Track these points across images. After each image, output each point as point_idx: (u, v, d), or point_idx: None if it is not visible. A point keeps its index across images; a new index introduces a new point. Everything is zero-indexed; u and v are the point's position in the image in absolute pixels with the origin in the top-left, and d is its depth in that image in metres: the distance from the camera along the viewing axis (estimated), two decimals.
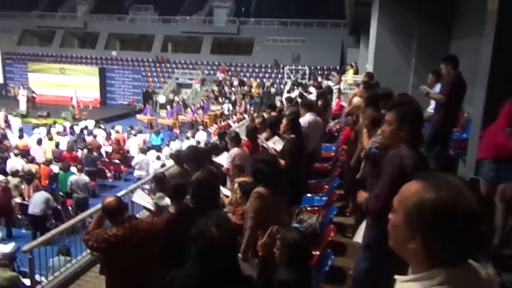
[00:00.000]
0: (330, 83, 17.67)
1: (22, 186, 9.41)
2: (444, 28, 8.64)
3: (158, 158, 11.46)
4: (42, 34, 34.06)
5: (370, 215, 2.60)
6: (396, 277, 1.17)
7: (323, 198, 5.30)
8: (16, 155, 11.08)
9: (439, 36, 8.63)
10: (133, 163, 11.94)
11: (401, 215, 1.14)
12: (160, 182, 5.13)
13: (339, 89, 14.39)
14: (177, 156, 5.50)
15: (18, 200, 9.18)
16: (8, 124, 16.68)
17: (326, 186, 5.76)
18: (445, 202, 1.06)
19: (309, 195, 5.49)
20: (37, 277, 5.29)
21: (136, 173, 11.58)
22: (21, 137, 13.38)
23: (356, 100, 6.20)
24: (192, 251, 1.88)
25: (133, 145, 13.85)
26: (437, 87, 5.05)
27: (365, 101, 4.30)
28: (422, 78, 6.40)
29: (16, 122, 17.09)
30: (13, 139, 13.81)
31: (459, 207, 1.05)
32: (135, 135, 14.55)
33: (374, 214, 2.50)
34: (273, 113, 7.96)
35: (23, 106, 21.88)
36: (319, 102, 7.79)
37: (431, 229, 1.08)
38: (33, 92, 24.52)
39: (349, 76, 16.39)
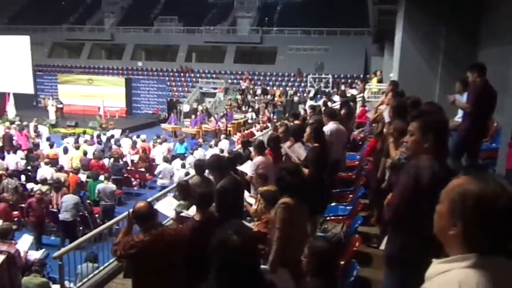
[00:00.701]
0: (354, 91, 17.61)
1: (51, 194, 9.68)
2: (471, 37, 8.49)
3: (183, 166, 11.60)
4: (71, 46, 35.22)
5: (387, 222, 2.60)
6: (433, 260, 1.28)
7: (348, 208, 5.26)
8: (46, 164, 11.42)
9: (466, 44, 8.49)
10: (156, 172, 12.10)
11: (446, 203, 1.24)
12: (184, 190, 5.20)
13: (363, 98, 14.31)
14: (198, 166, 5.50)
15: None
16: (38, 134, 17.20)
17: (351, 196, 5.72)
18: (487, 195, 1.16)
19: (333, 204, 5.46)
20: (66, 283, 5.42)
21: (159, 181, 11.72)
22: (52, 146, 13.77)
23: (383, 108, 6.15)
24: (215, 262, 1.87)
25: (158, 153, 14.07)
26: (465, 96, 4.97)
27: (392, 111, 4.24)
28: (449, 87, 6.30)
29: (44, 132, 17.61)
30: (44, 148, 14.23)
31: (500, 201, 1.14)
32: (160, 143, 14.78)
33: (389, 223, 2.51)
34: (296, 122, 7.97)
35: (52, 116, 22.57)
36: (343, 111, 7.76)
37: (471, 218, 1.17)
38: (61, 102, 25.27)
39: (373, 84, 16.27)
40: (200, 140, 17.43)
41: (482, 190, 1.17)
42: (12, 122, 18.84)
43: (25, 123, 17.95)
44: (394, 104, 4.28)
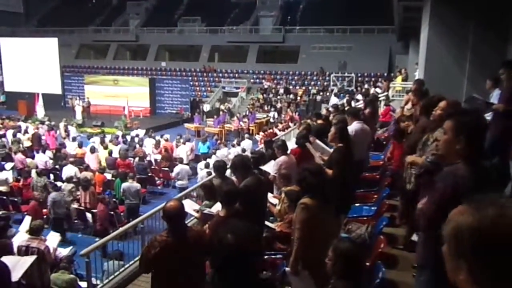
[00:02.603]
0: (378, 90, 17.36)
1: (78, 193, 9.92)
2: (501, 32, 8.22)
3: (207, 166, 11.59)
4: (98, 47, 35.99)
5: (421, 228, 2.50)
6: None
7: (372, 208, 5.18)
8: (71, 163, 11.68)
9: (496, 40, 8.22)
10: (173, 174, 12.04)
11: (447, 243, 1.04)
12: (208, 191, 5.23)
13: (387, 96, 14.09)
14: (218, 167, 5.47)
15: (75, 206, 9.66)
16: (68, 134, 17.65)
17: (375, 196, 5.64)
18: (482, 225, 0.95)
19: (357, 204, 5.39)
20: (93, 280, 5.53)
21: (178, 183, 11.67)
22: (81, 146, 14.10)
23: (407, 108, 6.05)
24: (214, 260, 1.94)
25: (182, 153, 14.18)
26: (495, 93, 4.83)
27: (421, 109, 4.16)
28: (477, 86, 6.13)
29: (72, 132, 18.02)
30: (70, 147, 14.57)
31: (498, 231, 0.93)
32: (184, 143, 14.90)
33: (422, 229, 2.42)
34: (319, 121, 7.91)
35: (79, 116, 23.11)
36: (367, 110, 7.66)
37: (471, 256, 0.96)
38: (89, 102, 25.79)
39: (398, 82, 16.00)
40: (219, 141, 17.44)
41: (475, 220, 0.96)
42: (42, 122, 19.37)
43: (53, 123, 18.41)
44: (424, 103, 4.18)
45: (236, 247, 1.86)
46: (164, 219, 3.33)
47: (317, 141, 5.63)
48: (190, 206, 5.17)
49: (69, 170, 11.07)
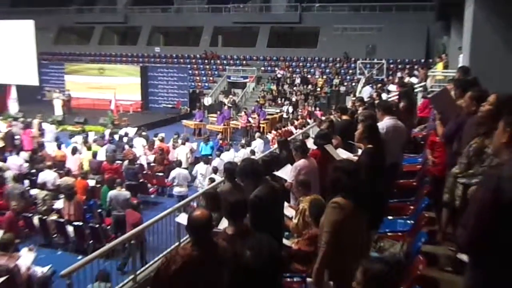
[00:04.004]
0: (413, 79, 17.22)
1: (53, 201, 9.98)
2: None
3: (215, 170, 11.57)
4: (80, 31, 36.34)
5: (461, 249, 2.52)
6: None
7: (408, 222, 5.16)
8: (49, 167, 11.75)
9: None
10: (169, 179, 12.11)
11: None
12: (212, 201, 5.20)
13: (425, 87, 13.97)
14: (229, 170, 5.49)
15: (54, 217, 9.71)
16: (42, 133, 17.71)
17: (412, 207, 5.61)
18: None
19: (390, 217, 5.36)
20: None
21: (176, 189, 11.71)
22: (60, 146, 14.16)
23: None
24: (227, 278, 1.95)
25: (181, 154, 14.16)
26: None
27: (473, 102, 4.16)
28: None
29: (49, 130, 18.10)
30: (50, 149, 14.67)
31: None
32: (183, 143, 14.89)
33: (464, 249, 2.43)
34: (344, 117, 7.88)
35: (58, 112, 23.25)
36: (402, 103, 7.60)
37: None
38: (69, 95, 25.91)
39: (438, 70, 15.88)
40: (221, 141, 17.40)
41: None
42: (15, 119, 19.52)
43: (29, 119, 18.54)
44: (474, 94, 4.16)
45: (253, 266, 1.85)
46: (189, 231, 3.36)
47: (340, 149, 5.58)
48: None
49: (46, 176, 11.15)
